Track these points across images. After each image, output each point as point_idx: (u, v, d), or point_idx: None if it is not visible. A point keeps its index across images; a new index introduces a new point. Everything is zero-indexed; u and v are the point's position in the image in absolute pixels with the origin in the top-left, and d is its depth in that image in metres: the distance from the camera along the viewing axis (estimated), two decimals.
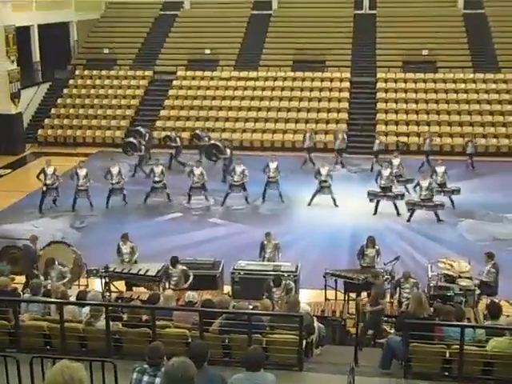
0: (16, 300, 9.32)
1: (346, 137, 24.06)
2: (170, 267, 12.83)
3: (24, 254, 13.60)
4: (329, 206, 19.16)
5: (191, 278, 12.74)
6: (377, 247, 13.59)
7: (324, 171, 19.22)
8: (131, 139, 23.94)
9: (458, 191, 19.03)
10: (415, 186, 18.58)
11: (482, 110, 27.43)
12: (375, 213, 18.69)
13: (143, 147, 23.27)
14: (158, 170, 19.92)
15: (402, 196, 18.89)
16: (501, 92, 28.18)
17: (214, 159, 22.85)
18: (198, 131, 25.37)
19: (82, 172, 19.66)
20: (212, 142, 23.52)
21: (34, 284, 9.88)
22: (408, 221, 18.18)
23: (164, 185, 19.93)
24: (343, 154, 23.97)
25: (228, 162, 21.95)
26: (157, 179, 19.85)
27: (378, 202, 18.76)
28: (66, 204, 19.71)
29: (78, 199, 19.51)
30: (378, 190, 18.91)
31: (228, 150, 22.42)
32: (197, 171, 19.71)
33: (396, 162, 20.00)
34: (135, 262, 13.83)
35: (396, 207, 18.62)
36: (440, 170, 19.24)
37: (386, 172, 19.04)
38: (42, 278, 12.18)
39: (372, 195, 18.87)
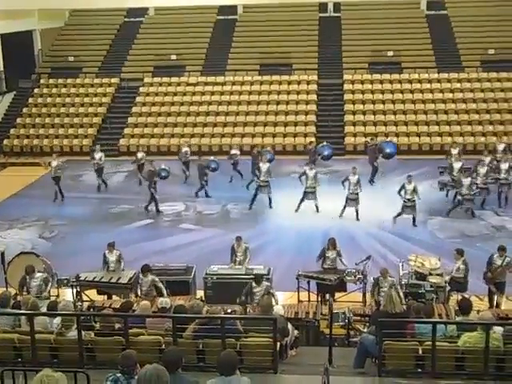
0: None
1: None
2: (141, 276, 12.65)
3: None
4: (301, 210, 19.21)
5: (164, 290, 12.26)
6: (338, 249, 13.49)
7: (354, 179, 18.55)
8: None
9: None
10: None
11: (448, 109, 27.81)
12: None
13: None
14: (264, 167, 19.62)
15: None
16: (465, 91, 28.62)
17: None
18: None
19: (264, 167, 19.65)
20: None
21: (2, 296, 9.69)
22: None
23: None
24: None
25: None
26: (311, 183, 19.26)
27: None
28: (33, 214, 19.50)
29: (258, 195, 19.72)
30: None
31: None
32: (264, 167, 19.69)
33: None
34: (122, 269, 13.55)
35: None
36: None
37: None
38: (10, 291, 11.95)
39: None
